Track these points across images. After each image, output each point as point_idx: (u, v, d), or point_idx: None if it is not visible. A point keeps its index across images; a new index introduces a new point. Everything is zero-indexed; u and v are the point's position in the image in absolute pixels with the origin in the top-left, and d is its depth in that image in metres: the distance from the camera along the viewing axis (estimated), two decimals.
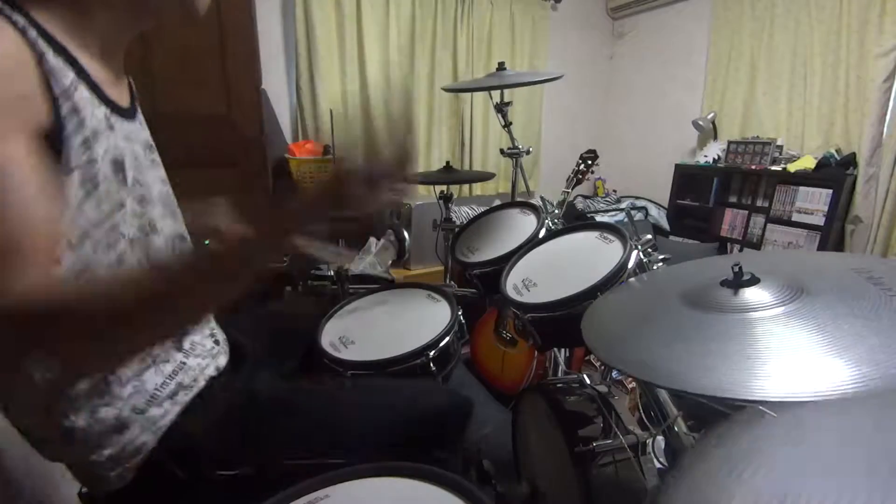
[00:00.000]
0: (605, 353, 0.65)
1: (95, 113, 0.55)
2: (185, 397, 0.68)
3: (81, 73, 0.54)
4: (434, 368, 0.98)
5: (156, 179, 0.69)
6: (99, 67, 0.57)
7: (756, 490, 0.27)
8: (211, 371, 0.73)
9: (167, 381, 0.66)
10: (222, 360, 0.78)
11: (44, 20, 0.51)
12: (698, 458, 0.31)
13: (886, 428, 0.32)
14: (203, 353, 0.73)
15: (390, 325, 1.09)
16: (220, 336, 0.80)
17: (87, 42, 0.55)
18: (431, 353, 0.97)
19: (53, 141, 0.50)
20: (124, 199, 0.59)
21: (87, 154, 0.53)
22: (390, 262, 2.50)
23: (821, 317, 0.54)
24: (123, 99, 0.63)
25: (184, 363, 0.69)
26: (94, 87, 0.56)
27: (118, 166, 0.58)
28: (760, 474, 0.28)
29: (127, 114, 0.63)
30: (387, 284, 1.28)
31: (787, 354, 0.51)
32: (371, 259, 2.45)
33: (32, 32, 0.49)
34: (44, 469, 0.97)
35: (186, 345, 0.71)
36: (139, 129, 0.67)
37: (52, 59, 0.50)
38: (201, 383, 0.71)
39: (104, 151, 0.56)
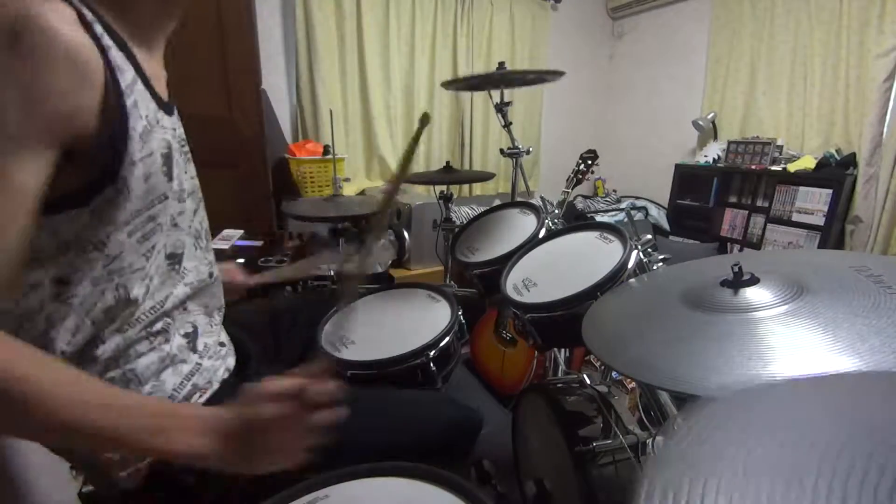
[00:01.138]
0: (607, 356, 0.65)
1: (149, 107, 0.57)
2: (199, 400, 0.68)
3: (138, 67, 0.55)
4: (434, 368, 0.97)
5: (189, 174, 0.70)
6: (148, 61, 0.58)
7: (731, 469, 0.27)
8: (222, 373, 0.73)
9: (184, 381, 0.66)
10: (231, 361, 0.77)
11: (105, 13, 0.52)
12: (674, 442, 0.31)
13: (864, 406, 0.32)
14: (214, 355, 0.73)
15: (390, 325, 1.09)
16: (225, 338, 0.80)
17: (134, 33, 0.56)
18: (431, 353, 0.97)
19: (115, 136, 0.51)
20: (167, 192, 0.60)
21: (146, 147, 0.55)
22: (390, 262, 2.50)
23: (822, 315, 0.54)
24: (164, 93, 0.64)
25: (199, 364, 0.69)
26: (146, 82, 0.57)
27: (166, 160, 0.60)
28: (735, 453, 0.28)
29: (168, 109, 0.64)
30: (387, 284, 1.28)
31: (790, 354, 0.51)
32: (371, 259, 2.45)
33: (98, 27, 0.50)
34: (44, 469, 0.97)
35: (200, 346, 0.71)
36: (177, 124, 0.67)
37: (116, 54, 0.52)
38: (214, 386, 0.71)
39: (157, 145, 0.57)
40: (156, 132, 0.57)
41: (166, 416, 0.49)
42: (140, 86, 0.55)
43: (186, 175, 0.68)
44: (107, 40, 0.51)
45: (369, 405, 0.81)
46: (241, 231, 1.93)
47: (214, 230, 2.10)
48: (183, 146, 0.69)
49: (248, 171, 2.07)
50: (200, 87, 1.92)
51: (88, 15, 0.49)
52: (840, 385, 0.39)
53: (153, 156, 0.56)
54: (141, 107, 0.55)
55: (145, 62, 0.58)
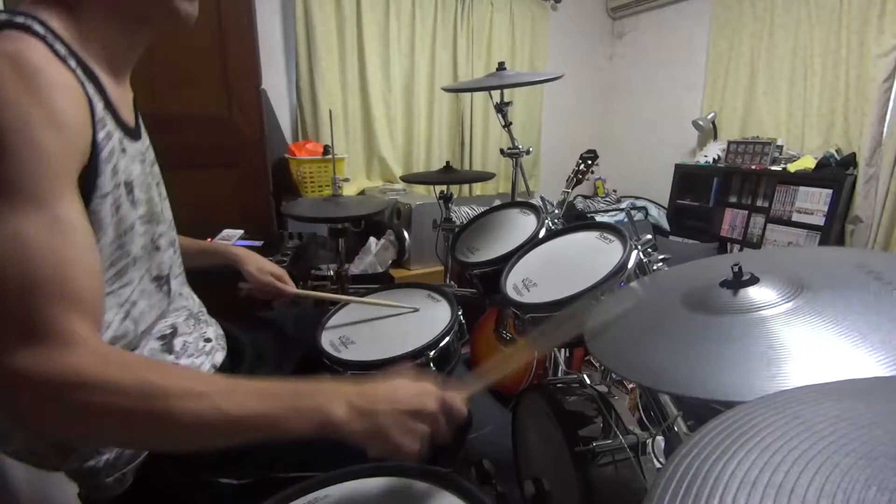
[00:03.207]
0: (611, 362, 0.64)
1: (115, 136, 0.56)
2: None
3: (106, 97, 0.55)
4: (434, 368, 0.97)
5: (158, 196, 0.69)
6: (112, 86, 0.58)
7: (749, 478, 0.27)
8: (207, 368, 0.73)
9: None
10: (219, 357, 0.77)
11: (69, 39, 0.51)
12: (690, 449, 0.31)
13: (884, 414, 0.32)
14: (196, 352, 0.73)
15: (390, 325, 1.09)
16: (214, 333, 0.80)
17: (101, 59, 0.56)
18: (431, 353, 0.97)
19: (88, 173, 0.51)
20: (134, 220, 0.60)
21: (114, 179, 0.55)
22: (390, 262, 2.50)
23: (825, 312, 0.54)
24: (131, 119, 0.63)
25: (176, 364, 0.69)
26: (113, 112, 0.57)
27: (129, 188, 0.59)
28: (754, 461, 0.28)
29: (134, 134, 0.63)
30: (387, 284, 1.28)
31: (797, 352, 0.50)
32: (371, 259, 2.45)
33: (72, 62, 0.49)
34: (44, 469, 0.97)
35: (177, 346, 0.70)
36: (144, 148, 0.67)
37: (89, 87, 0.51)
38: None
39: (122, 176, 0.57)
40: (121, 162, 0.57)
41: (314, 395, 0.49)
42: (109, 117, 0.55)
43: (160, 197, 0.68)
44: (80, 74, 0.50)
45: None
46: (241, 231, 1.93)
47: (214, 230, 2.10)
48: (153, 169, 0.68)
49: (248, 171, 2.07)
50: (200, 87, 1.92)
51: (61, 50, 0.49)
52: (865, 390, 0.38)
53: (120, 187, 0.56)
54: (112, 138, 0.54)
55: (112, 89, 0.57)
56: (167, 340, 0.69)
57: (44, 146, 0.44)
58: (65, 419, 0.43)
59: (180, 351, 0.70)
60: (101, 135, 0.52)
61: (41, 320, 0.41)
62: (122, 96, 0.61)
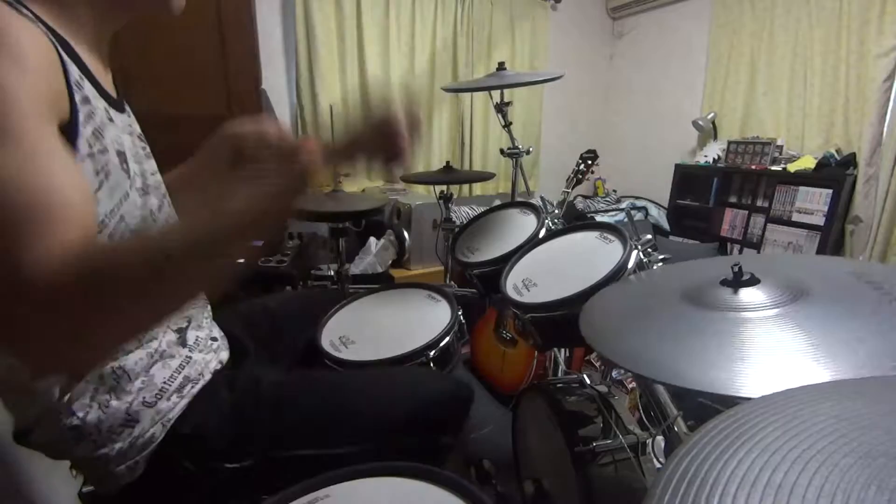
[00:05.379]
0: (604, 348, 0.65)
1: (98, 104, 0.56)
2: (192, 390, 0.69)
3: (82, 66, 0.55)
4: (434, 368, 0.98)
5: (150, 170, 0.70)
6: (91, 60, 0.59)
7: (749, 478, 0.27)
8: (214, 365, 0.75)
9: (174, 374, 0.67)
10: (224, 355, 0.79)
11: (42, 14, 0.52)
12: (690, 449, 0.31)
13: (884, 414, 0.32)
14: (206, 349, 0.75)
15: (390, 325, 1.09)
16: (218, 333, 0.81)
17: (77, 35, 0.57)
18: (431, 353, 0.97)
19: (68, 132, 0.51)
20: (128, 189, 0.60)
21: (98, 143, 0.55)
22: (390, 262, 2.50)
23: (814, 320, 0.54)
24: (113, 91, 0.64)
25: (189, 357, 0.70)
26: (93, 80, 0.57)
27: (122, 157, 0.59)
28: (752, 462, 0.28)
29: (118, 105, 0.64)
30: (387, 284, 1.28)
31: (776, 356, 0.51)
32: (371, 259, 2.45)
33: (40, 26, 0.50)
34: (44, 470, 0.97)
35: (190, 340, 0.72)
36: (131, 121, 0.68)
37: (63, 53, 0.52)
38: (207, 377, 0.72)
39: (110, 142, 0.57)
40: (109, 129, 0.57)
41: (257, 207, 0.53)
42: (87, 83, 0.55)
43: (147, 171, 0.68)
44: (50, 37, 0.51)
45: (369, 379, 0.84)
46: None
47: None
48: (141, 142, 0.69)
49: None
50: (200, 87, 1.92)
51: (29, 14, 0.49)
52: (865, 390, 0.38)
53: (107, 153, 0.56)
54: (91, 103, 0.55)
55: (89, 60, 0.58)
56: (182, 333, 0.71)
57: (7, 85, 0.44)
58: (86, 314, 0.43)
59: (193, 345, 0.72)
60: (77, 96, 0.52)
61: (34, 241, 0.41)
62: (101, 70, 0.62)
